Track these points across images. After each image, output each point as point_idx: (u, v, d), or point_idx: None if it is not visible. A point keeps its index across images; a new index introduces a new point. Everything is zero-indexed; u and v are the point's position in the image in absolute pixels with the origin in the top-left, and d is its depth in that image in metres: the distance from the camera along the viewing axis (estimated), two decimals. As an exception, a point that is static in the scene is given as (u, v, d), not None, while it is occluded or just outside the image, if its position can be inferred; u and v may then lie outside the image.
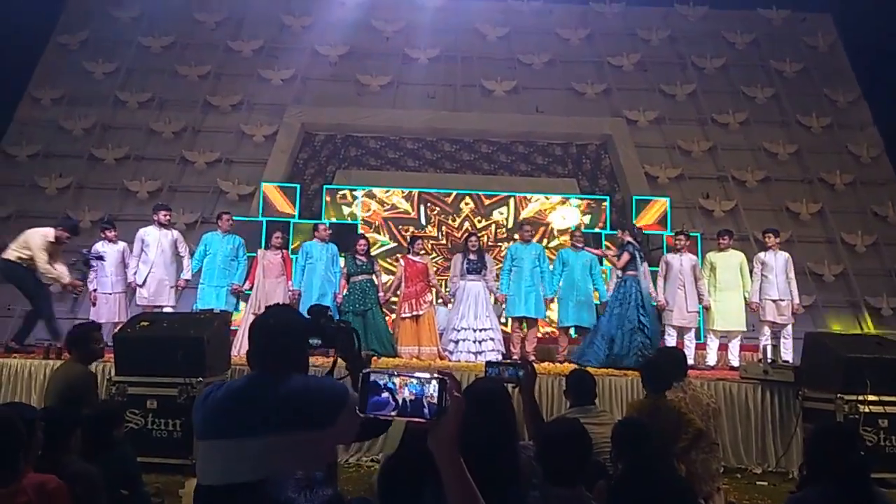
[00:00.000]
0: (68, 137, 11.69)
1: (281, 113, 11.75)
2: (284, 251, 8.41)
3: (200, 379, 5.17)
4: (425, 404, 1.34)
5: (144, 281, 7.89)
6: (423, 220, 10.89)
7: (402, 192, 10.96)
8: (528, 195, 11.10)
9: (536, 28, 13.19)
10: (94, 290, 7.96)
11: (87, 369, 4.44)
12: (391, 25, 12.99)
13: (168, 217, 8.20)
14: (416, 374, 1.37)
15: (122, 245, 8.18)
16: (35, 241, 6.88)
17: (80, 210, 10.92)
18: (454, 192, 11.02)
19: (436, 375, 1.35)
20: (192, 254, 8.26)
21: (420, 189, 11.02)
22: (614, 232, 10.42)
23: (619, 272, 8.00)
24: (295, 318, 2.05)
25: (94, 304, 7.97)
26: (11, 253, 6.93)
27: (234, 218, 8.67)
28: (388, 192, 10.97)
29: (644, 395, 4.27)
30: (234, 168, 11.65)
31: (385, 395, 1.36)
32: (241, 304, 8.49)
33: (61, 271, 7.16)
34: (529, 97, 12.44)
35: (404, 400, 1.35)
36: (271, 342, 1.93)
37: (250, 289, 8.16)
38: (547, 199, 11.09)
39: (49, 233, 7.02)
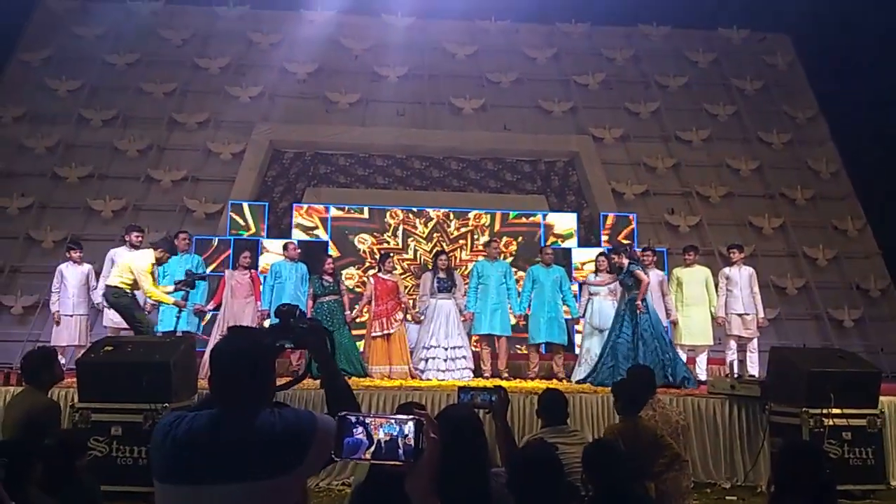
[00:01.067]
0: (31, 156, 11.45)
1: (249, 130, 11.67)
2: (253, 271, 8.32)
3: (166, 405, 5.06)
4: (401, 446, 1.31)
5: None
6: (381, 229, 10.76)
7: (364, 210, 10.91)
8: (506, 212, 11.16)
9: (504, 47, 13.34)
10: (57, 311, 7.80)
11: (50, 398, 4.31)
12: (360, 43, 13.02)
13: (140, 238, 8.05)
14: (392, 416, 1.35)
15: (86, 267, 8.03)
16: (139, 264, 6.64)
17: (43, 230, 10.71)
18: (421, 210, 11.00)
19: (412, 417, 1.33)
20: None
21: (389, 206, 10.99)
22: (587, 248, 10.52)
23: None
24: (257, 343, 1.90)
25: (57, 324, 7.81)
26: (114, 279, 6.72)
27: (200, 237, 8.57)
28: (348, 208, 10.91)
29: (619, 418, 4.27)
30: (201, 186, 11.52)
31: (360, 436, 1.33)
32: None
33: (165, 292, 6.98)
34: (497, 115, 12.56)
35: (379, 441, 1.32)
36: (233, 375, 1.79)
37: (215, 309, 8.05)
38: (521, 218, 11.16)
39: (150, 254, 6.80)
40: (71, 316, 7.82)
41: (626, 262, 7.49)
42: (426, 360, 7.86)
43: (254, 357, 1.84)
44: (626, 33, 13.82)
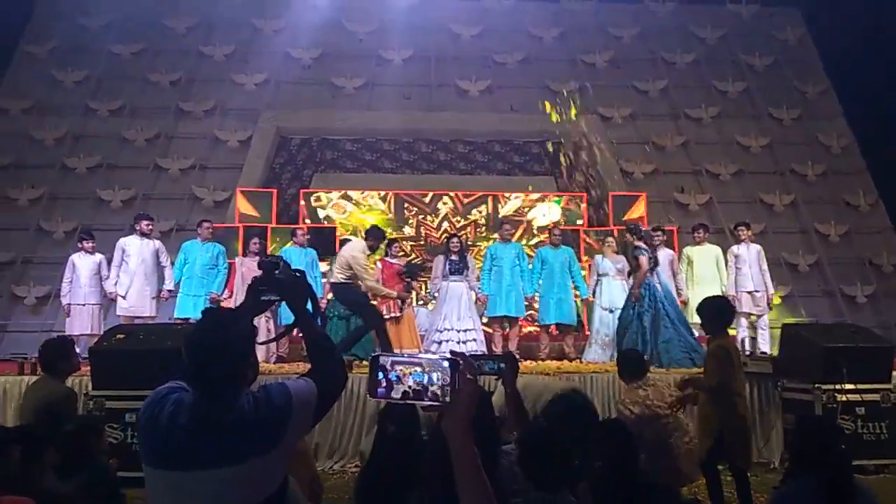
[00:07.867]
0: (39, 147, 11.51)
1: (255, 117, 11.66)
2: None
3: (180, 391, 5.09)
4: (429, 389, 1.33)
5: (126, 292, 7.79)
6: (398, 221, 10.75)
7: (379, 194, 10.85)
8: (507, 193, 11.08)
9: (510, 27, 13.21)
10: (68, 304, 7.84)
11: (67, 386, 4.35)
12: (364, 27, 12.94)
13: (150, 227, 8.09)
14: (424, 357, 1.36)
15: (99, 257, 8.06)
16: (358, 258, 6.78)
17: (54, 221, 10.78)
18: (431, 193, 10.94)
19: (447, 357, 1.34)
20: (172, 263, 8.14)
21: (398, 191, 10.96)
22: (592, 228, 10.47)
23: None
24: (233, 325, 1.88)
25: (68, 316, 7.86)
26: (336, 276, 6.92)
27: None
28: (364, 194, 10.86)
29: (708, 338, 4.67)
30: (209, 174, 11.54)
31: (394, 377, 1.35)
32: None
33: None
34: (504, 96, 12.47)
35: (414, 383, 1.34)
36: (211, 359, 1.78)
37: (229, 297, 8.07)
38: (526, 195, 11.06)
39: (363, 244, 6.96)
40: (83, 305, 7.85)
41: (635, 241, 7.47)
42: (439, 343, 7.89)
43: (232, 341, 1.82)
44: (632, 10, 13.64)
